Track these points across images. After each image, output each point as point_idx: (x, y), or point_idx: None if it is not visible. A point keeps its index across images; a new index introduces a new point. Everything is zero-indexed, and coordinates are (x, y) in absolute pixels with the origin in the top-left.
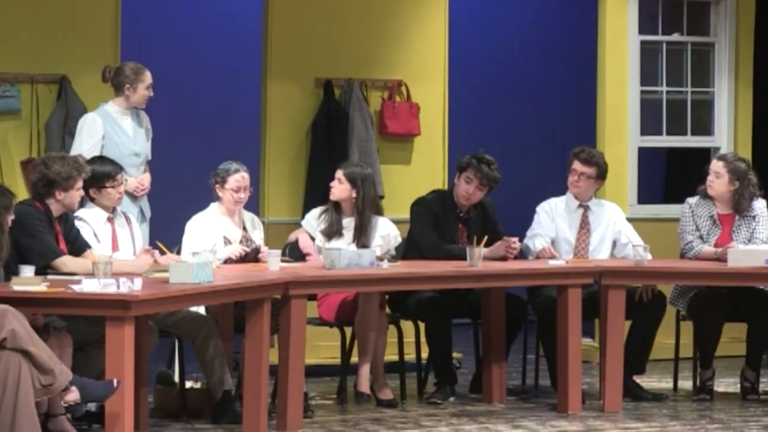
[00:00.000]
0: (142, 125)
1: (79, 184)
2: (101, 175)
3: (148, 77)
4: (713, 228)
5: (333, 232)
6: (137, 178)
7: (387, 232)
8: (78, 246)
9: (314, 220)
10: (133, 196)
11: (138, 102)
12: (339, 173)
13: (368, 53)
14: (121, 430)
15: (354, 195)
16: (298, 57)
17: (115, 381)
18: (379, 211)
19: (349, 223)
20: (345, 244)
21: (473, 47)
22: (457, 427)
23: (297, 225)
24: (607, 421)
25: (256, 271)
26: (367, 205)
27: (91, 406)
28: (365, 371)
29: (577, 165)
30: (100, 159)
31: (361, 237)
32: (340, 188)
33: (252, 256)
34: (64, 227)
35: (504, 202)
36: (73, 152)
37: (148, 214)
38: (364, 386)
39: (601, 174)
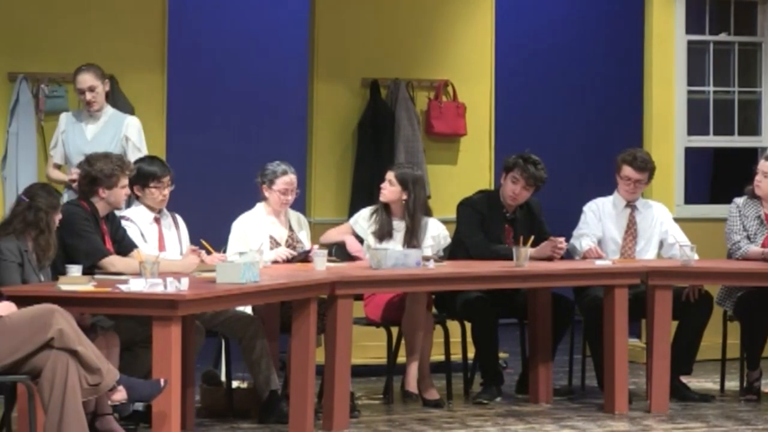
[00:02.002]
0: (111, 133)
1: (124, 182)
2: (146, 174)
3: (77, 82)
4: (760, 228)
5: (384, 233)
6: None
7: (437, 233)
8: (125, 246)
9: (364, 221)
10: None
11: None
12: (390, 175)
13: (415, 53)
14: (168, 430)
15: (405, 197)
16: (345, 57)
17: (162, 381)
18: (429, 212)
19: (399, 224)
20: (395, 245)
21: (520, 47)
22: (504, 427)
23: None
24: (653, 422)
25: (303, 271)
26: (418, 207)
27: (138, 406)
28: (412, 371)
29: (631, 173)
30: (150, 158)
31: (413, 239)
32: (390, 190)
33: (299, 259)
34: (110, 227)
35: (551, 202)
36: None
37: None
38: (411, 386)
39: (652, 176)
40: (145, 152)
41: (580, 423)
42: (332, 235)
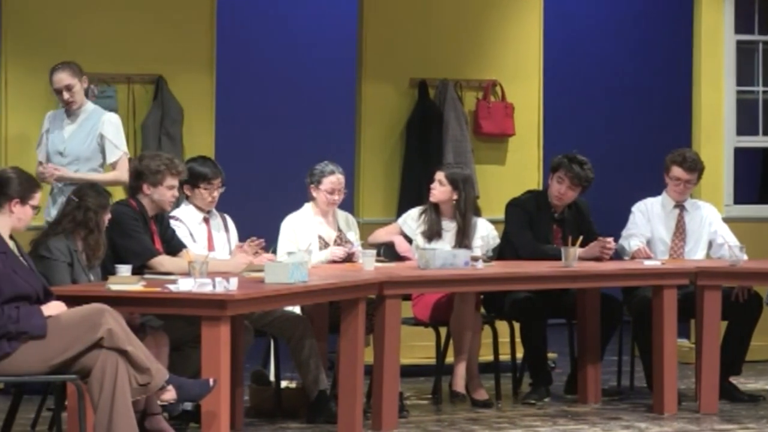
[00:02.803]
0: (86, 130)
1: (170, 182)
2: (197, 174)
3: (53, 82)
4: None
5: (433, 233)
6: (48, 164)
7: (486, 233)
8: (174, 245)
9: (413, 221)
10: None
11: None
12: (440, 175)
13: (463, 53)
14: (217, 430)
15: (455, 197)
16: (393, 57)
17: (211, 380)
18: (478, 212)
19: (448, 224)
20: (444, 245)
21: (568, 46)
22: (553, 427)
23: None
24: (703, 423)
25: (351, 271)
26: (469, 207)
27: (188, 405)
28: (460, 371)
29: (680, 173)
30: (202, 159)
31: (464, 239)
32: (441, 190)
33: (349, 257)
34: (159, 227)
35: (599, 202)
36: None
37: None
38: (460, 386)
39: (701, 176)
40: (124, 149)
41: (628, 423)
42: (380, 235)
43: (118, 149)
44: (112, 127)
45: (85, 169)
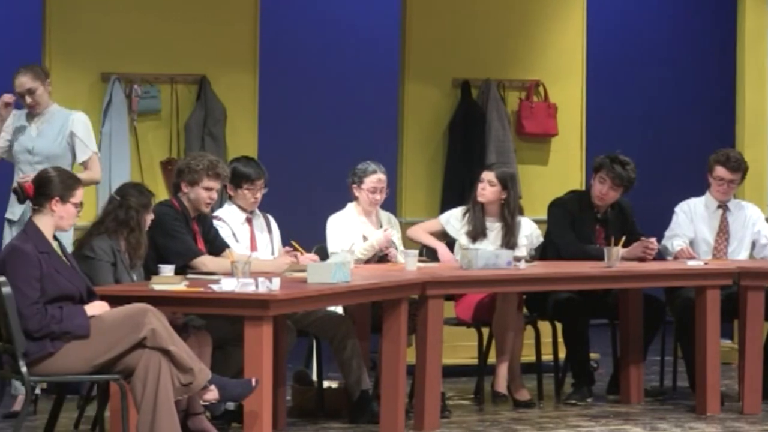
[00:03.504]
0: (55, 129)
1: (206, 183)
2: (240, 175)
3: (15, 86)
4: None
5: (478, 233)
6: (23, 175)
7: (530, 232)
8: (217, 246)
9: (457, 221)
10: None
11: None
12: (490, 175)
13: (506, 53)
14: (259, 429)
15: (504, 196)
16: (436, 57)
17: (253, 380)
18: (522, 211)
19: (492, 224)
20: (489, 245)
21: (611, 47)
22: (595, 428)
23: None
24: (746, 423)
25: (394, 272)
26: (516, 206)
27: (230, 405)
28: (503, 371)
29: (724, 173)
30: (245, 159)
31: (510, 238)
32: (491, 190)
33: (381, 257)
34: (202, 227)
35: (642, 203)
36: None
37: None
38: (502, 386)
39: (744, 176)
40: (94, 148)
41: (670, 425)
42: (420, 233)
43: (89, 148)
44: (82, 125)
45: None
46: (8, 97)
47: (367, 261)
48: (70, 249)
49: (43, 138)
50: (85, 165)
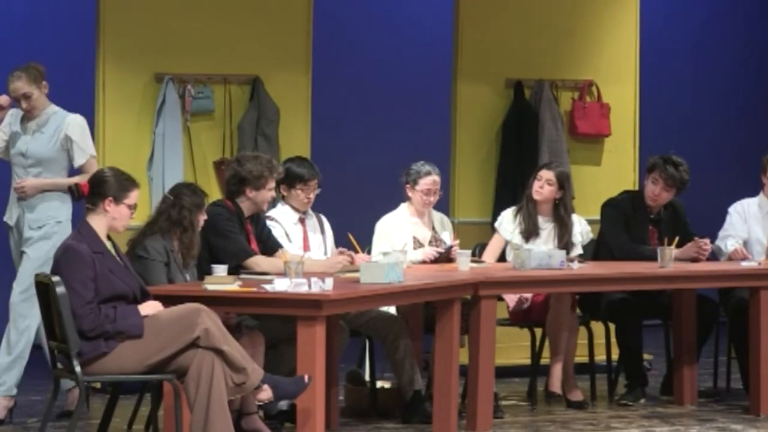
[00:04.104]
0: (50, 132)
1: (271, 184)
2: (294, 175)
3: (10, 90)
4: None
5: (531, 232)
6: (18, 180)
7: (581, 229)
8: (270, 246)
9: (509, 223)
10: (20, 197)
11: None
12: (549, 174)
13: (558, 53)
14: (312, 428)
15: (558, 196)
16: (488, 58)
17: (306, 377)
18: (573, 210)
19: (544, 223)
20: (542, 244)
21: (664, 46)
22: (648, 428)
23: (487, 225)
24: None
25: (447, 272)
26: (570, 206)
27: (283, 405)
28: (556, 372)
29: None
30: (299, 159)
31: (565, 236)
32: (549, 189)
33: (444, 256)
34: (255, 227)
35: (696, 203)
36: None
37: (33, 223)
38: (555, 387)
39: None
40: (91, 152)
41: (724, 425)
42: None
43: (86, 152)
44: (78, 128)
45: (49, 172)
46: (3, 100)
47: (435, 260)
48: (123, 248)
49: (37, 141)
50: (82, 169)
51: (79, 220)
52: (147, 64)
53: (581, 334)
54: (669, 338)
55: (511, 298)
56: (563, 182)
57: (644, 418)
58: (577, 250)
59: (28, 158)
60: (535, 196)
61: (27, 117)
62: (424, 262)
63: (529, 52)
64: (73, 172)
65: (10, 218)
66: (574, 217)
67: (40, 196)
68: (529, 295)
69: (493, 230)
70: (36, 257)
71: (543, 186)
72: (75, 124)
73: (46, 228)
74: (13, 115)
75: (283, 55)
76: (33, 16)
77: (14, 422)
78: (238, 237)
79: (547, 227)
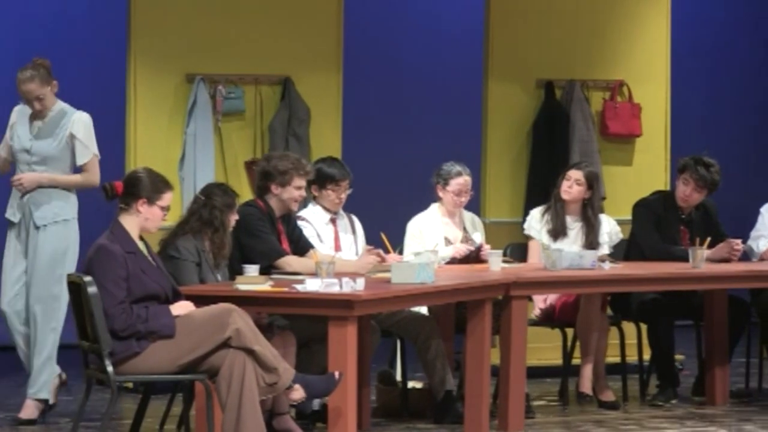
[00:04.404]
0: (54, 129)
1: (297, 182)
2: (325, 175)
3: (22, 92)
4: None
5: (559, 231)
6: (17, 175)
7: (610, 229)
8: (301, 246)
9: (537, 222)
10: (19, 193)
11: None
12: (578, 174)
13: (589, 53)
14: (344, 427)
15: (587, 196)
16: (519, 58)
17: (336, 373)
18: (602, 209)
19: (572, 222)
20: (570, 243)
21: (696, 46)
22: (680, 429)
23: (518, 225)
24: None
25: (478, 272)
26: (599, 206)
27: (316, 405)
28: (587, 372)
29: None
30: (330, 160)
31: (592, 236)
32: (578, 189)
33: (474, 255)
34: (286, 227)
35: (728, 203)
36: None
37: (39, 221)
38: (587, 387)
39: None
40: (94, 150)
41: (756, 426)
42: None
43: (89, 150)
44: (82, 126)
45: (54, 170)
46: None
47: (464, 260)
48: (154, 248)
49: (42, 138)
50: (84, 167)
51: (82, 219)
52: (178, 64)
53: (613, 334)
54: (701, 339)
55: (539, 305)
56: (592, 182)
57: (676, 418)
58: (603, 250)
59: (32, 155)
60: (564, 196)
61: (35, 115)
62: (453, 258)
63: (560, 52)
64: (76, 170)
65: (13, 215)
66: (603, 218)
67: (47, 194)
68: (552, 297)
69: (523, 232)
70: (44, 254)
71: (572, 186)
72: (80, 122)
73: (52, 226)
74: (19, 111)
75: (313, 55)
76: (65, 17)
77: (47, 422)
78: (270, 237)
79: (575, 227)
